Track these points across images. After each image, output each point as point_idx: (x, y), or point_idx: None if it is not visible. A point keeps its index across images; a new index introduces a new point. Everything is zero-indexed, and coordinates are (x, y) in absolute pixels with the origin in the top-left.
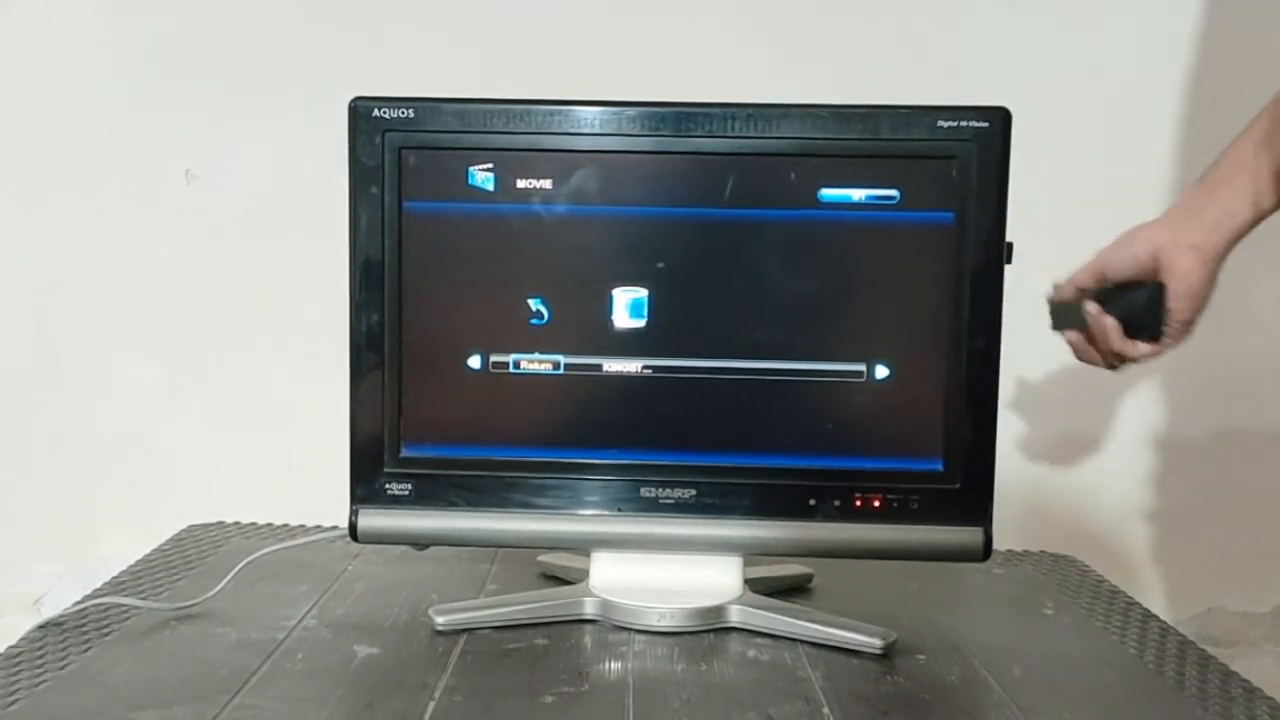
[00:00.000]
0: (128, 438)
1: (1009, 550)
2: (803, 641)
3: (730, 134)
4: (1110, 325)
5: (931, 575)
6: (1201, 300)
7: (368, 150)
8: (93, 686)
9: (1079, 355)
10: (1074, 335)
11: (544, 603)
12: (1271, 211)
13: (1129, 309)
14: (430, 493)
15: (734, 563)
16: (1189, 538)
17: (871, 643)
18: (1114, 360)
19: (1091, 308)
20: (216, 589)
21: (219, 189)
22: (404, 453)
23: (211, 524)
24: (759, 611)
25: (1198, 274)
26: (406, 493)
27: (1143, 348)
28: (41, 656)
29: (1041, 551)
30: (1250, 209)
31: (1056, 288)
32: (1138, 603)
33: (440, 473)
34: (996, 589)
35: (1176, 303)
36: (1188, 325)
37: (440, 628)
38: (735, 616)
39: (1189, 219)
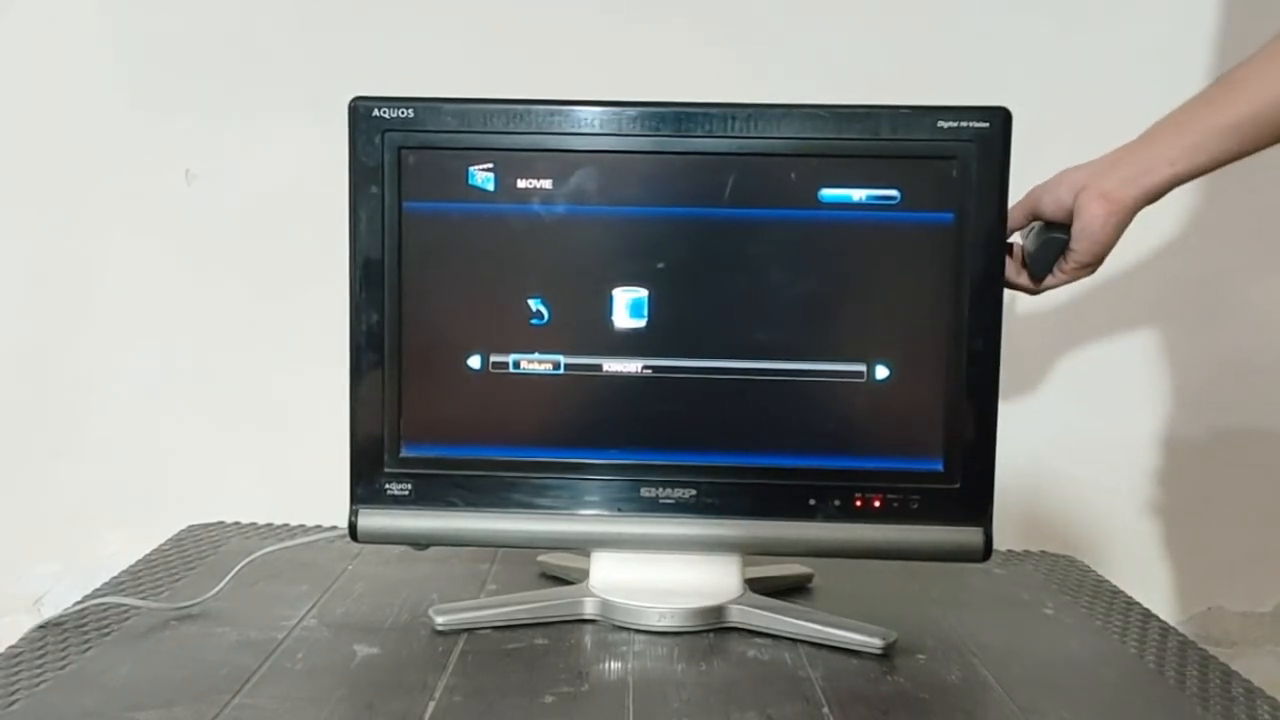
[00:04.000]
0: (128, 437)
1: (1009, 550)
2: (802, 641)
3: (730, 134)
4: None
5: (931, 575)
6: (1102, 247)
7: (368, 150)
8: (93, 686)
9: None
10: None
11: (544, 603)
12: (1190, 177)
13: (1036, 249)
14: (430, 493)
15: (733, 563)
16: (1189, 537)
17: (871, 642)
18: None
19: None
20: (216, 589)
21: (219, 189)
22: (404, 453)
23: (212, 524)
24: (759, 611)
25: (1101, 221)
26: (406, 493)
27: (1025, 283)
28: (42, 656)
29: (1042, 552)
30: (1166, 169)
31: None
32: (1138, 602)
33: (440, 473)
34: (996, 589)
35: (1077, 244)
36: (1084, 268)
37: (440, 628)
38: (735, 616)
39: (1111, 167)
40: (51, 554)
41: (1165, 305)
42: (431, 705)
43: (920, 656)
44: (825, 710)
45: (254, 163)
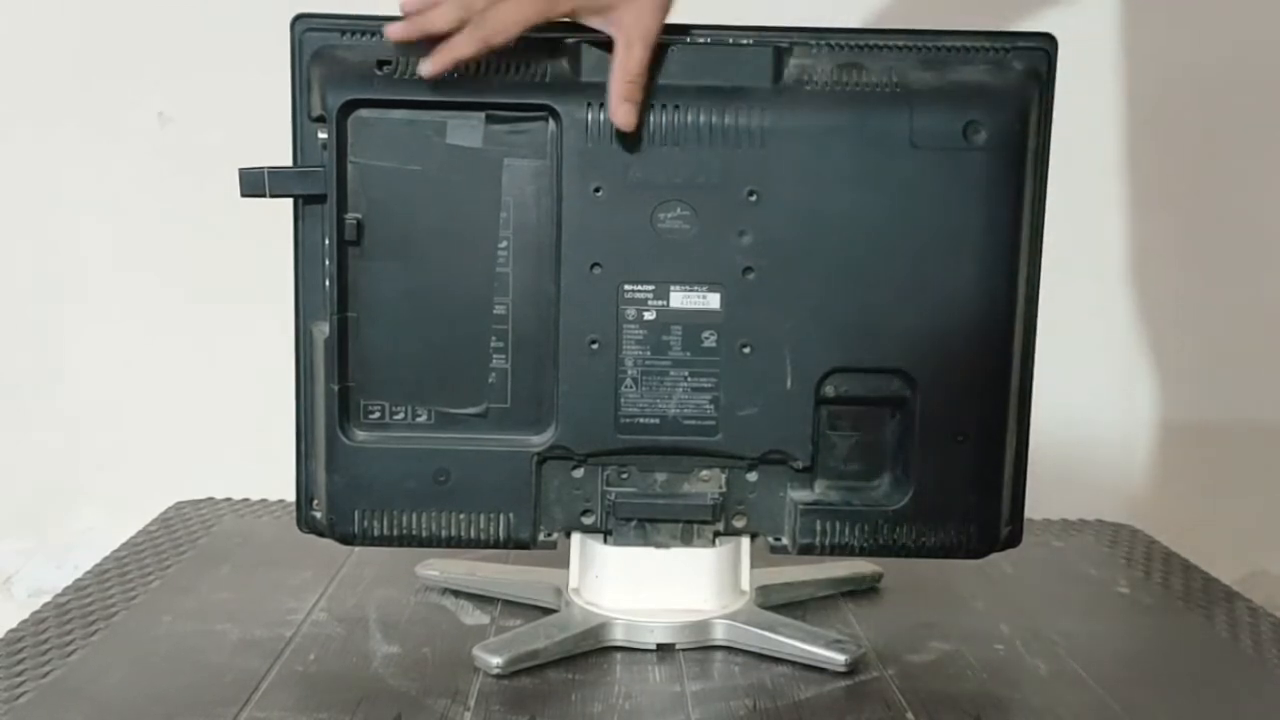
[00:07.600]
0: (102, 403)
1: (1064, 520)
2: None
3: None
4: None
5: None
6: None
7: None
8: (79, 699)
9: None
10: None
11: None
12: None
13: None
14: None
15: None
16: (1226, 502)
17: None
18: None
19: None
20: (213, 578)
21: (196, 133)
22: None
23: (201, 500)
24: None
25: None
26: None
27: None
28: (20, 661)
29: (1099, 520)
30: None
31: None
32: (1216, 579)
33: None
34: (1064, 565)
35: None
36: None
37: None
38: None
39: None
40: (20, 528)
41: (1202, 266)
42: (467, 715)
43: (999, 647)
44: (910, 717)
45: (235, 104)
